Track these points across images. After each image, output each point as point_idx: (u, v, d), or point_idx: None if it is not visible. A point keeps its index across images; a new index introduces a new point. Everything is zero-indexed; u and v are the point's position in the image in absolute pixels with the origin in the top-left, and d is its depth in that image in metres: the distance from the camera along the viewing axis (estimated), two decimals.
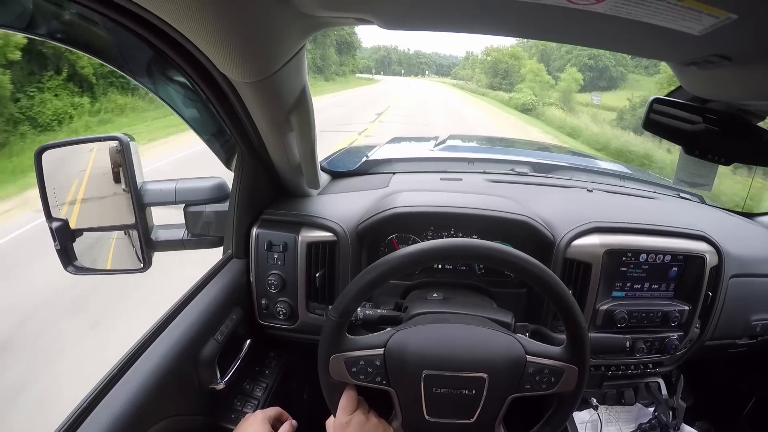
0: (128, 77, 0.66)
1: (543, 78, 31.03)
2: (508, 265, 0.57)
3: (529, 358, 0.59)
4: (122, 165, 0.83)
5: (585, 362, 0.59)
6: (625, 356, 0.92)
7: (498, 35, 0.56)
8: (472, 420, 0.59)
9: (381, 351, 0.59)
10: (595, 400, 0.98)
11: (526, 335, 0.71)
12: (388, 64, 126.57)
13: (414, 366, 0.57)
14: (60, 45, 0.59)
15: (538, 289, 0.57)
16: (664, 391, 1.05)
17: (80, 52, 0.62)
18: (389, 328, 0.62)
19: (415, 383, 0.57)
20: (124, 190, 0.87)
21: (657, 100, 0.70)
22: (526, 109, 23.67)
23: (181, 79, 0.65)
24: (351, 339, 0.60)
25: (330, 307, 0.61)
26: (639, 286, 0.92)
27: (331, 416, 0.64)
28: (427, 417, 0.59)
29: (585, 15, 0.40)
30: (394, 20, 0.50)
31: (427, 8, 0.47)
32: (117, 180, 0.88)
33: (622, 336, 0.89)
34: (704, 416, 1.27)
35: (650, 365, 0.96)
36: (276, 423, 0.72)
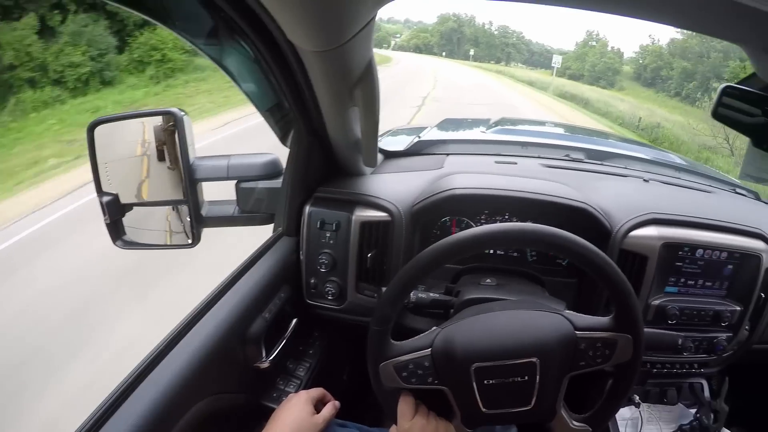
0: (189, 43, 0.64)
1: None
2: (543, 238, 0.55)
3: (578, 333, 0.57)
4: (169, 140, 0.82)
5: (638, 329, 0.57)
6: (672, 354, 0.90)
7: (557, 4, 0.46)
8: (531, 406, 0.57)
9: (428, 351, 0.58)
10: (637, 398, 0.95)
11: None
12: (458, 41, 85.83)
13: (462, 361, 0.56)
14: (119, 6, 0.58)
15: (578, 262, 0.55)
16: (707, 392, 1.02)
17: (139, 14, 0.60)
18: (434, 328, 0.61)
19: (466, 378, 0.56)
20: (168, 168, 0.87)
21: (727, 89, 0.67)
22: None
23: (244, 47, 0.64)
24: (396, 345, 0.60)
25: (382, 288, 0.59)
26: (693, 282, 0.89)
27: (393, 425, 0.63)
28: (484, 410, 0.58)
29: None
30: None
31: None
32: (161, 158, 0.88)
33: (675, 333, 0.86)
34: (739, 421, 1.23)
35: (695, 365, 0.93)
36: (318, 404, 0.72)
